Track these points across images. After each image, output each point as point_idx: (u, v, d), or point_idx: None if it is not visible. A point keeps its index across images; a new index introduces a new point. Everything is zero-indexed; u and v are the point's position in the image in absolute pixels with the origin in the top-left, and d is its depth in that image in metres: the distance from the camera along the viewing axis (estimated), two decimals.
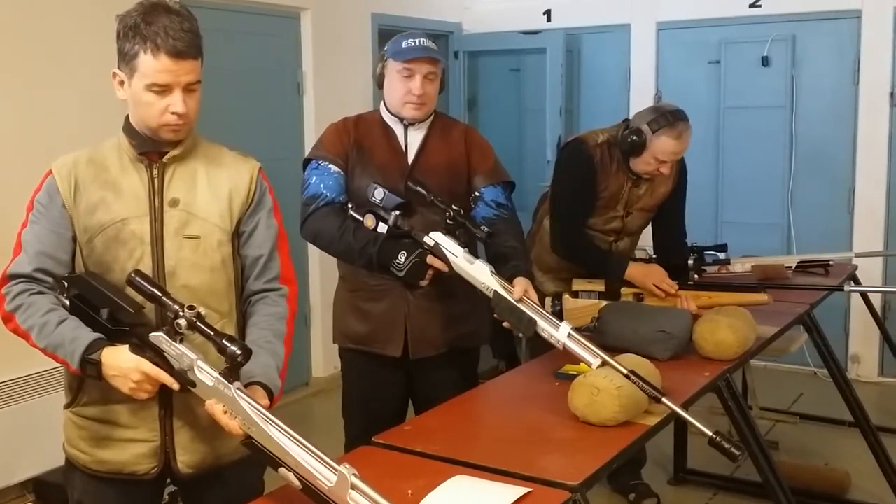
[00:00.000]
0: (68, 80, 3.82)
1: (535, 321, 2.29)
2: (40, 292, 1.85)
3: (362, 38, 5.44)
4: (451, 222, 2.46)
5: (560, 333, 2.25)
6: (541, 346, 2.83)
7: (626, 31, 5.83)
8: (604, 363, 2.15)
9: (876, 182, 5.25)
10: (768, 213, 5.54)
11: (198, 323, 1.70)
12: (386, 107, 2.71)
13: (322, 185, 2.61)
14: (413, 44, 2.60)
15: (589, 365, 2.19)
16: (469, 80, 6.35)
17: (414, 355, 2.70)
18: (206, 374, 1.71)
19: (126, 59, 1.83)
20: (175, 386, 1.74)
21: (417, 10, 5.83)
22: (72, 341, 1.79)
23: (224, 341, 1.67)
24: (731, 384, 2.62)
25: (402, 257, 2.43)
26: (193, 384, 1.72)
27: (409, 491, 1.73)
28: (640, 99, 5.69)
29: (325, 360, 5.28)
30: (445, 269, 2.42)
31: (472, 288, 2.39)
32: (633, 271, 3.14)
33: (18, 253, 1.87)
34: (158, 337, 1.74)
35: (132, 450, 1.92)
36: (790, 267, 3.95)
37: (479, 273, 2.38)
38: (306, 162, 2.70)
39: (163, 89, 1.82)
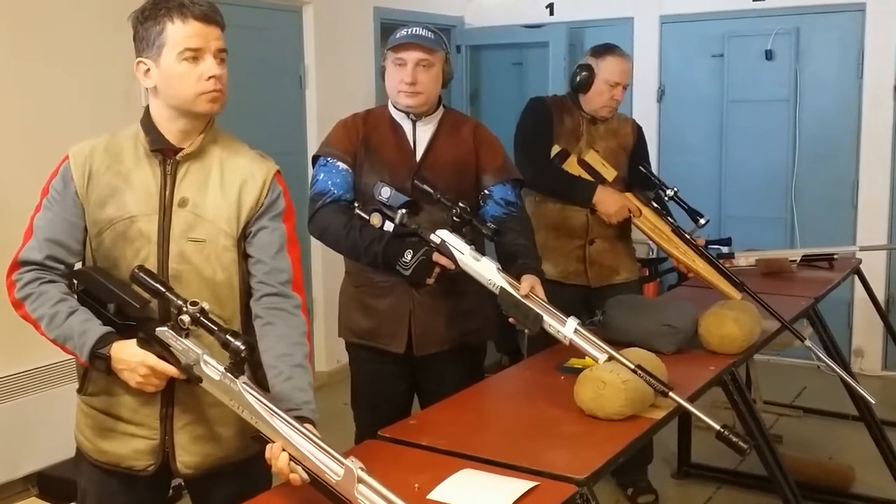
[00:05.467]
0: (74, 71, 3.81)
1: (542, 316, 2.28)
2: (51, 281, 1.84)
3: (364, 31, 5.43)
4: (457, 220, 2.45)
5: (567, 329, 2.24)
6: (539, 343, 2.84)
7: (629, 25, 5.81)
8: (610, 358, 2.14)
9: (880, 175, 5.23)
10: (772, 207, 5.53)
11: (201, 318, 1.69)
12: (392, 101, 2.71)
13: (329, 182, 2.61)
14: (405, 33, 2.61)
15: (596, 360, 2.18)
16: (471, 73, 6.34)
17: (418, 352, 2.69)
18: (213, 369, 1.71)
19: (151, 40, 1.82)
20: (182, 376, 1.74)
21: (419, 3, 5.82)
22: (81, 335, 1.78)
23: (227, 336, 1.66)
24: (736, 378, 2.62)
25: (408, 256, 2.43)
26: (200, 380, 1.72)
27: (416, 485, 1.73)
28: (644, 93, 5.68)
29: (327, 354, 5.27)
30: (452, 266, 2.41)
31: (478, 285, 2.39)
32: (602, 196, 3.32)
33: (29, 238, 1.86)
34: (164, 332, 1.74)
35: (131, 444, 1.92)
36: (794, 261, 3.95)
37: (486, 270, 2.37)
38: (315, 159, 2.70)
39: (195, 55, 1.82)
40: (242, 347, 1.66)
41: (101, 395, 1.93)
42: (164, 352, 1.74)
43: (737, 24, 5.54)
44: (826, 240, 4.74)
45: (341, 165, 2.63)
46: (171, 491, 2.26)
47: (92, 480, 2.00)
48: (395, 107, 2.69)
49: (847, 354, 5.20)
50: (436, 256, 2.42)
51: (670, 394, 2.04)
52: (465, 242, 2.41)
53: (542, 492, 1.73)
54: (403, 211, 2.46)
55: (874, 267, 4.88)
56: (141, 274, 1.75)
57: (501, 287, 2.34)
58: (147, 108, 1.91)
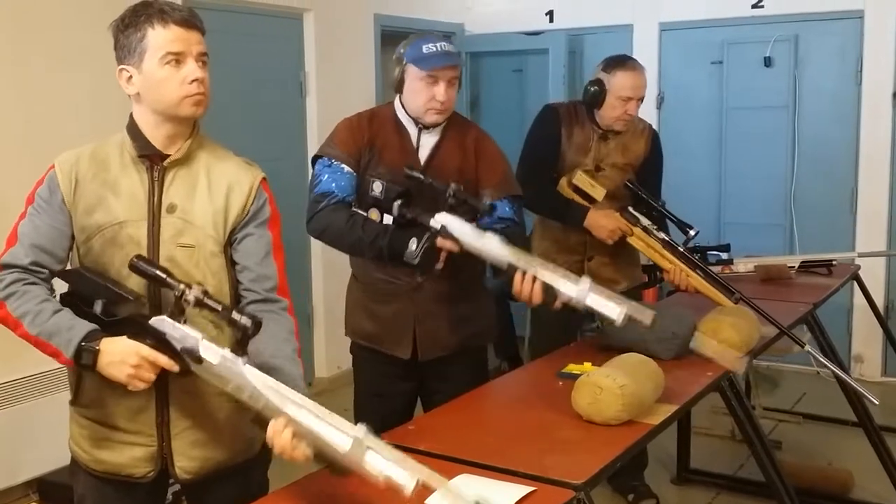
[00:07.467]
0: (73, 74, 3.82)
1: (553, 286, 2.26)
2: (34, 283, 1.83)
3: (365, 39, 5.44)
4: (452, 200, 2.43)
5: (581, 288, 2.22)
6: (542, 347, 2.85)
7: (628, 32, 5.83)
8: (629, 310, 2.13)
9: (878, 182, 5.24)
10: (771, 214, 5.53)
11: (205, 299, 1.71)
12: (403, 107, 2.68)
13: (334, 184, 2.58)
14: (435, 49, 2.56)
15: (612, 320, 2.16)
16: (471, 80, 6.35)
17: (423, 357, 2.70)
18: (212, 352, 1.70)
19: (133, 47, 1.84)
20: (175, 368, 1.73)
21: (420, 11, 5.83)
22: (69, 329, 1.77)
23: (233, 315, 1.68)
24: (734, 384, 2.62)
25: (413, 245, 2.40)
26: (201, 360, 1.70)
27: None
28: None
29: (328, 360, 5.28)
30: (456, 248, 2.38)
31: (478, 287, 2.38)
32: (594, 218, 3.31)
33: (13, 244, 1.85)
34: (161, 320, 1.74)
35: (129, 453, 1.92)
36: (793, 267, 3.95)
37: (491, 245, 2.35)
38: (316, 158, 2.67)
39: (177, 59, 1.82)
40: (249, 324, 1.68)
41: (95, 404, 1.92)
42: (158, 344, 1.73)
43: (736, 31, 5.56)
44: (825, 246, 4.75)
45: (346, 168, 2.61)
46: (171, 496, 2.27)
47: (90, 488, 2.00)
48: (407, 114, 2.67)
49: (846, 360, 5.20)
50: (440, 241, 2.39)
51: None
52: (466, 221, 2.39)
53: (540, 497, 1.73)
54: (399, 202, 2.46)
55: (873, 273, 4.89)
56: (140, 262, 1.76)
57: (509, 262, 2.32)
58: (132, 115, 1.93)
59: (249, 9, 4.75)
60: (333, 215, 2.56)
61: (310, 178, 2.69)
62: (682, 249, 3.14)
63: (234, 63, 4.63)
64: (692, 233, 3.29)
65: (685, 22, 5.70)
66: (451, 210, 2.42)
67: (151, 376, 1.76)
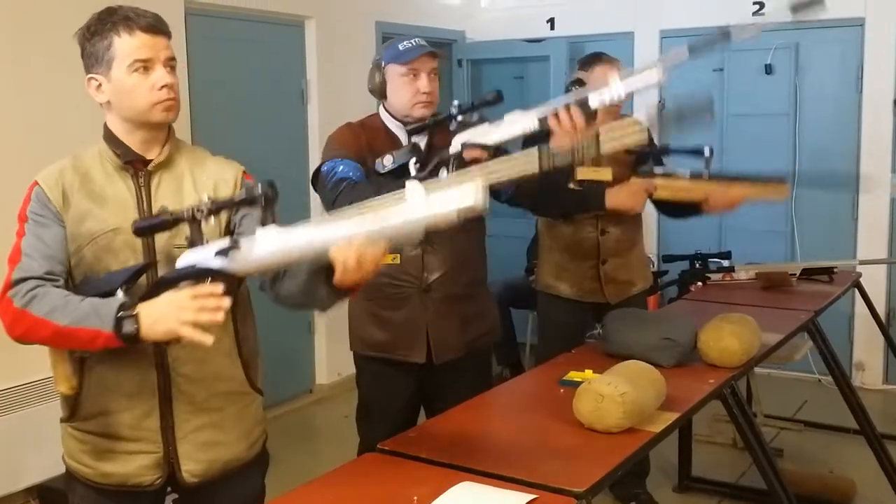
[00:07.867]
0: (74, 72, 3.76)
1: (586, 100, 2.25)
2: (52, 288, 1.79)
3: (366, 46, 5.44)
4: (460, 118, 2.42)
5: (614, 86, 2.22)
6: (549, 355, 2.85)
7: (629, 39, 5.84)
8: (665, 64, 2.18)
9: (879, 189, 5.24)
10: (772, 221, 5.53)
11: (215, 203, 1.71)
12: (389, 113, 2.70)
13: (351, 173, 2.57)
14: (410, 44, 2.61)
15: (656, 84, 2.18)
16: (472, 87, 6.36)
17: (437, 360, 2.70)
18: (245, 241, 1.68)
19: (100, 56, 1.84)
20: (219, 289, 1.68)
21: (421, 17, 5.85)
22: (102, 305, 1.72)
23: (247, 193, 1.69)
24: (735, 391, 2.62)
25: (443, 174, 2.36)
26: (239, 246, 1.68)
27: (415, 497, 1.73)
28: (643, 107, 5.70)
29: (328, 367, 5.27)
30: (485, 154, 2.35)
31: (483, 287, 2.37)
32: (614, 197, 3.26)
33: (18, 260, 1.81)
34: (185, 255, 1.72)
35: (136, 462, 1.91)
36: (794, 274, 3.95)
37: (515, 121, 2.33)
38: (318, 168, 2.66)
39: (145, 65, 1.82)
40: (268, 189, 1.68)
41: (96, 417, 1.91)
42: (194, 281, 1.70)
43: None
44: (826, 253, 4.75)
45: (357, 163, 2.60)
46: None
47: (89, 501, 1.98)
48: (394, 118, 2.68)
49: (848, 368, 5.20)
50: (466, 154, 2.37)
51: None
52: (480, 123, 2.38)
53: None
54: (414, 160, 2.46)
55: (874, 280, 4.89)
56: (139, 222, 1.75)
57: (539, 118, 2.29)
58: (106, 125, 1.92)
59: (251, 16, 4.76)
60: (357, 189, 2.52)
61: (314, 190, 2.68)
62: (707, 173, 3.08)
63: (235, 70, 4.64)
64: (706, 152, 3.11)
65: (686, 29, 5.70)
66: (464, 127, 2.41)
67: (203, 314, 1.66)
